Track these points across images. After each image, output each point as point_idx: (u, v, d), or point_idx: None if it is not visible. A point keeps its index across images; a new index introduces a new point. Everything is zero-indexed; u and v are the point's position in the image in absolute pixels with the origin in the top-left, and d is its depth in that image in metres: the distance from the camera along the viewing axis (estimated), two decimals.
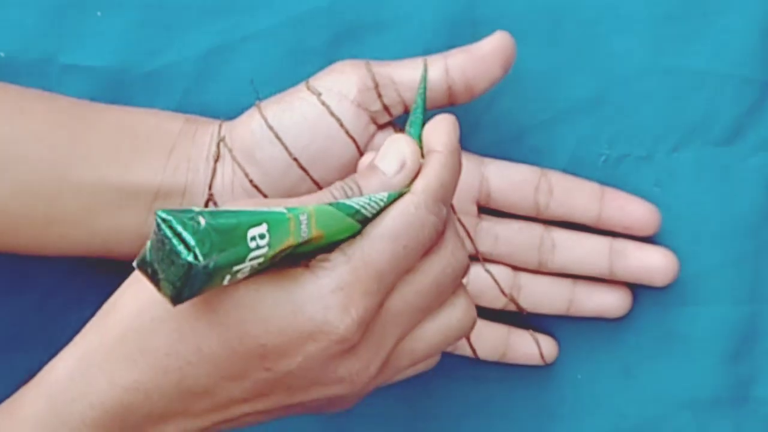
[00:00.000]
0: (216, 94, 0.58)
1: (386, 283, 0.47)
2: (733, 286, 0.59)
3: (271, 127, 0.54)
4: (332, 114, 0.54)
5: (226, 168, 0.55)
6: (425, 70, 0.54)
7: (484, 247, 0.57)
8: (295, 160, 0.54)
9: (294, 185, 0.54)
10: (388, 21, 0.58)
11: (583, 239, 0.57)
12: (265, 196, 0.54)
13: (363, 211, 0.47)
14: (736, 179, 0.59)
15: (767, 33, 0.58)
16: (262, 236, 0.44)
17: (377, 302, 0.47)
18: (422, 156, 0.49)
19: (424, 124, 0.51)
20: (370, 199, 0.47)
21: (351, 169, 0.55)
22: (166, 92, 0.58)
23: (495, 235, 0.57)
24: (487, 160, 0.57)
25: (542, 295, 0.58)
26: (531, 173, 0.57)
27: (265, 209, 0.45)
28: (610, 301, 0.58)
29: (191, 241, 0.42)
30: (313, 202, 0.47)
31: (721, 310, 0.59)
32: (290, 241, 0.45)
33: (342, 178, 0.54)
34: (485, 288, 0.57)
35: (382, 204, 0.48)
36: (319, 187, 0.55)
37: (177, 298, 0.43)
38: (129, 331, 0.46)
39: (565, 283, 0.58)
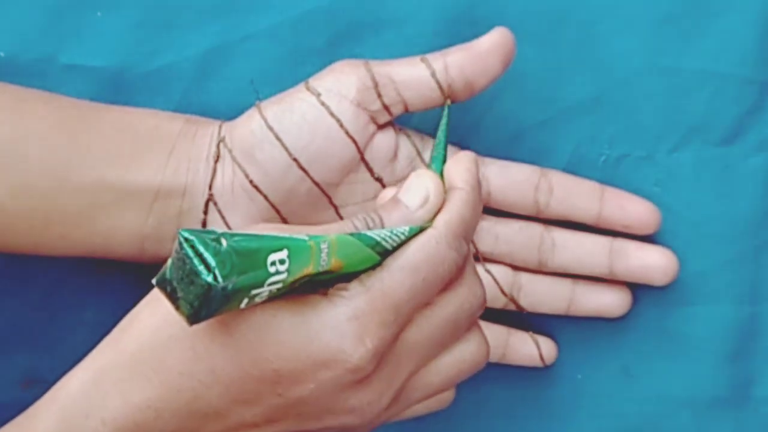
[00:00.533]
0: (216, 94, 0.58)
1: (403, 315, 0.47)
2: (733, 286, 0.59)
3: (270, 128, 0.54)
4: (332, 114, 0.54)
5: (226, 168, 0.55)
6: (447, 107, 0.54)
7: (484, 246, 0.57)
8: (295, 160, 0.54)
9: (294, 186, 0.54)
10: (388, 21, 0.58)
11: (583, 239, 0.57)
12: (265, 196, 0.54)
13: (383, 243, 0.48)
14: (736, 179, 0.59)
15: (767, 33, 0.58)
16: (282, 261, 0.44)
17: (393, 333, 0.47)
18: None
19: (445, 160, 0.51)
20: (391, 232, 0.48)
21: (351, 169, 0.55)
22: (166, 92, 0.58)
23: (495, 234, 0.57)
24: (487, 160, 0.57)
25: (542, 294, 0.58)
26: (531, 173, 0.57)
27: (287, 235, 0.45)
28: (610, 301, 0.58)
29: (212, 262, 0.42)
30: (335, 231, 0.47)
31: (721, 310, 0.59)
32: (310, 268, 0.45)
33: (342, 178, 0.54)
34: (486, 288, 0.57)
35: (402, 237, 0.48)
36: (319, 188, 0.55)
37: (194, 317, 0.43)
38: (144, 349, 0.46)
39: (565, 283, 0.58)
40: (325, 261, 0.46)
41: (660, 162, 0.59)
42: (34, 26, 0.57)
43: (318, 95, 0.54)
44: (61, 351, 0.58)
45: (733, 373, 0.59)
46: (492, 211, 0.57)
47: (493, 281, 0.57)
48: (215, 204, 0.55)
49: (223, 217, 0.55)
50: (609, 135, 0.59)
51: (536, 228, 0.57)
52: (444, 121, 0.53)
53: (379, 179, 0.56)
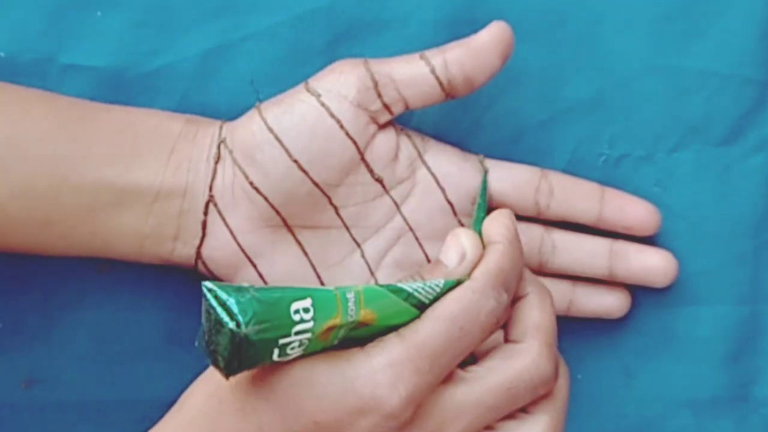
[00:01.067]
0: (216, 94, 0.58)
1: (441, 365, 0.47)
2: (733, 285, 0.59)
3: (270, 129, 0.54)
4: (332, 115, 0.54)
5: (227, 169, 0.55)
6: (486, 173, 0.55)
7: None
8: (296, 162, 0.54)
9: (294, 187, 0.54)
10: (388, 20, 0.58)
11: (583, 241, 0.57)
12: (265, 198, 0.54)
13: (417, 294, 0.48)
14: (736, 179, 0.59)
15: (767, 33, 0.58)
16: (306, 310, 0.46)
17: (429, 382, 0.47)
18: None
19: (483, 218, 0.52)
20: (425, 284, 0.49)
21: (351, 170, 0.55)
22: (166, 92, 0.58)
23: None
24: (486, 161, 0.57)
25: None
26: (531, 174, 0.57)
27: (313, 287, 0.47)
28: (610, 303, 0.58)
29: (235, 309, 0.44)
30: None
31: (721, 310, 0.59)
32: (337, 319, 0.46)
33: (342, 179, 0.54)
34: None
35: (438, 290, 0.49)
36: (319, 189, 0.55)
37: (228, 368, 0.45)
38: (200, 415, 0.48)
39: (564, 284, 0.58)
40: (353, 311, 0.47)
41: (660, 162, 0.59)
42: (34, 26, 0.57)
43: (318, 96, 0.54)
44: (61, 351, 0.58)
45: (734, 373, 0.59)
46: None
47: None
48: (215, 205, 0.55)
49: (223, 219, 0.55)
50: (609, 135, 0.59)
51: (536, 230, 0.57)
52: (483, 186, 0.55)
53: (379, 180, 0.56)
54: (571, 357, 0.59)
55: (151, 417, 0.58)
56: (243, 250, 0.55)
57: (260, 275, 0.55)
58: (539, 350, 0.50)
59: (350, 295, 0.47)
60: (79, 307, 0.58)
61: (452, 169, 0.56)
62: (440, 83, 0.54)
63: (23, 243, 0.54)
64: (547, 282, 0.57)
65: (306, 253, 0.56)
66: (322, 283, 0.56)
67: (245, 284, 0.45)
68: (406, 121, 0.57)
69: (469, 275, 0.49)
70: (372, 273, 0.56)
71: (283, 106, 0.54)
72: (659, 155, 0.59)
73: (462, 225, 0.56)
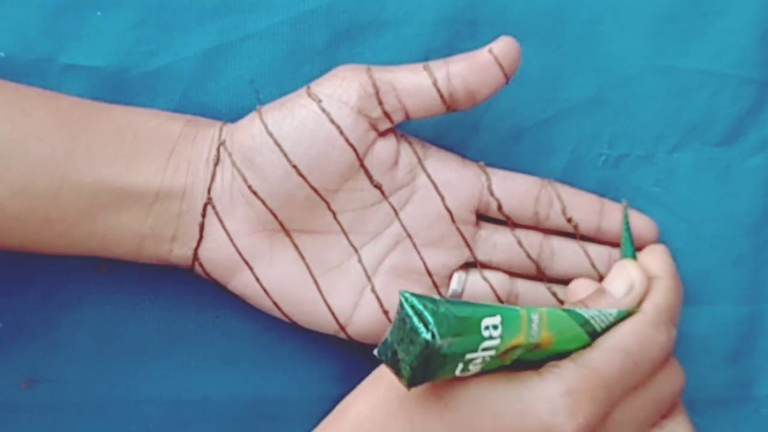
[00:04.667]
0: (216, 95, 0.58)
1: (614, 395, 0.49)
2: (733, 286, 0.59)
3: (270, 133, 0.54)
4: (332, 121, 0.54)
5: (226, 172, 0.54)
6: (626, 209, 0.56)
7: (483, 255, 0.57)
8: (294, 167, 0.54)
9: (292, 191, 0.54)
10: (388, 21, 0.58)
11: (581, 247, 0.57)
12: (263, 201, 0.54)
13: (592, 322, 0.50)
14: (736, 179, 0.59)
15: (767, 33, 0.58)
16: (495, 327, 0.47)
17: (604, 411, 0.48)
18: None
19: (633, 255, 0.55)
20: (600, 313, 0.50)
21: (350, 175, 0.55)
22: (166, 92, 0.58)
23: (493, 243, 0.57)
24: (488, 169, 0.57)
25: (540, 302, 0.57)
26: (532, 184, 0.57)
27: (500, 305, 0.48)
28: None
29: (430, 320, 0.45)
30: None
31: (721, 310, 0.59)
32: (521, 338, 0.47)
33: (341, 185, 0.54)
34: (483, 295, 0.57)
35: (611, 319, 0.50)
36: (318, 194, 0.54)
37: (413, 379, 0.46)
38: (364, 425, 0.48)
39: (562, 291, 0.58)
40: (536, 332, 0.48)
41: (660, 162, 0.59)
42: (34, 26, 0.57)
43: (319, 101, 0.54)
44: (61, 351, 0.58)
45: (733, 373, 0.59)
46: (491, 219, 0.57)
47: (491, 289, 0.57)
48: (213, 207, 0.55)
49: (220, 221, 0.55)
50: (609, 135, 0.59)
51: (535, 236, 0.57)
52: (625, 219, 0.56)
53: (378, 186, 0.55)
54: None
55: (151, 417, 0.58)
56: (240, 253, 0.55)
57: (257, 278, 0.55)
58: (674, 361, 0.52)
59: (535, 316, 0.48)
60: (79, 307, 0.58)
61: (452, 176, 0.56)
62: (441, 96, 0.54)
63: (22, 242, 0.54)
64: (545, 288, 0.57)
65: (303, 258, 0.56)
66: (318, 288, 0.56)
67: (437, 297, 0.47)
68: (406, 122, 0.57)
69: (636, 307, 0.51)
70: (369, 279, 0.56)
71: (283, 110, 0.54)
72: (659, 155, 0.59)
73: (461, 233, 0.56)
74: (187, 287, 0.58)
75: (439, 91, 0.54)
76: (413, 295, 0.46)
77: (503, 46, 0.54)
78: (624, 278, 0.52)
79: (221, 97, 0.58)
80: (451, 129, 0.58)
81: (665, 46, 0.58)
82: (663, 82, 0.58)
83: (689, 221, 0.59)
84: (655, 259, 0.53)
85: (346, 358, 0.59)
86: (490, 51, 0.54)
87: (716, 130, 0.59)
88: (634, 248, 0.55)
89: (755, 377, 0.59)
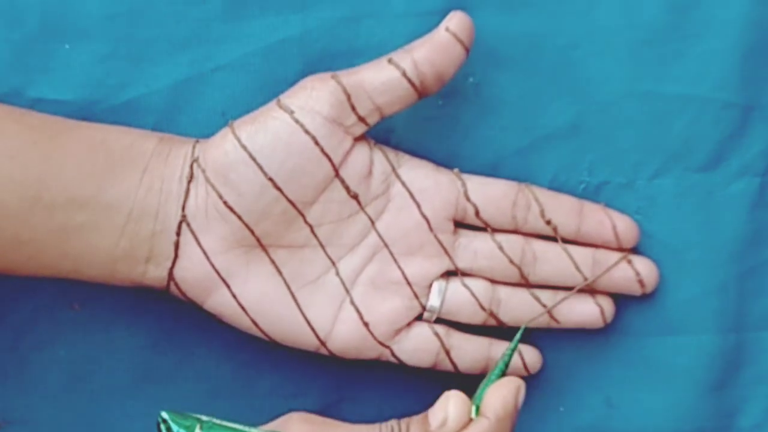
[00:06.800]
0: (187, 127, 0.57)
1: None
2: (717, 314, 0.58)
3: (245, 147, 0.53)
4: (307, 132, 0.53)
5: (200, 189, 0.54)
6: (522, 330, 0.54)
7: (463, 263, 0.57)
8: (270, 180, 0.53)
9: (268, 206, 0.54)
10: (361, 50, 0.57)
11: (563, 251, 0.57)
12: (239, 217, 0.54)
13: None
14: (719, 205, 0.58)
15: (747, 56, 0.57)
16: None
17: None
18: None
19: (503, 374, 0.53)
20: None
21: (325, 186, 0.55)
22: (137, 125, 0.57)
23: (474, 250, 0.57)
24: (464, 176, 0.57)
25: (522, 308, 0.57)
26: (508, 188, 0.57)
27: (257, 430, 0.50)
28: (592, 311, 0.57)
29: None
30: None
31: (705, 339, 0.58)
32: None
33: (317, 196, 0.55)
34: (465, 303, 0.57)
35: None
36: (294, 207, 0.54)
37: None
38: None
39: (545, 295, 0.57)
40: None
41: (640, 189, 0.58)
42: (1, 60, 0.57)
43: (291, 113, 0.54)
44: (34, 391, 0.58)
45: (717, 403, 0.59)
46: (470, 227, 0.57)
47: (472, 297, 0.56)
48: (188, 225, 0.54)
49: (196, 239, 0.54)
50: (588, 162, 0.58)
51: (517, 241, 0.57)
52: (512, 348, 0.54)
53: (355, 197, 0.55)
54: (553, 388, 0.59)
55: None
56: (217, 271, 0.54)
57: (234, 296, 0.55)
58: None
59: None
60: (51, 346, 0.58)
61: (427, 183, 0.56)
62: (413, 85, 0.54)
63: None
64: (528, 294, 0.57)
65: (281, 273, 0.55)
66: (297, 303, 0.55)
67: (204, 417, 0.48)
68: (384, 142, 0.57)
69: None
70: (347, 291, 0.56)
71: (256, 123, 0.54)
72: (640, 182, 0.58)
73: (438, 240, 0.56)
74: (162, 324, 0.58)
75: (409, 80, 0.54)
76: (172, 414, 0.47)
77: (457, 21, 0.54)
78: (441, 411, 0.51)
79: (193, 129, 0.57)
80: (429, 157, 0.58)
81: (644, 71, 0.58)
82: (642, 108, 0.58)
83: (671, 249, 0.58)
84: (496, 395, 0.51)
85: (328, 390, 0.58)
86: (447, 29, 0.54)
87: (697, 156, 0.58)
88: (505, 369, 0.53)
89: (739, 407, 0.59)
